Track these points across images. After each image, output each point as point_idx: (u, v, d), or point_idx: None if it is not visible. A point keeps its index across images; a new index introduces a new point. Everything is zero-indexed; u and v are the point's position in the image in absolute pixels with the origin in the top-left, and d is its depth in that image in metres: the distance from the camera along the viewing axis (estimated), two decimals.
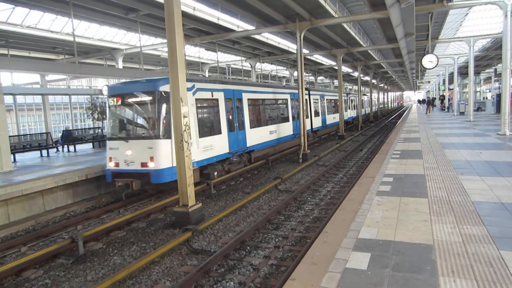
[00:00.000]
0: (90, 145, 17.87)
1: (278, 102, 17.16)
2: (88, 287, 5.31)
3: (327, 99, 26.29)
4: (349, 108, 33.37)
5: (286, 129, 17.41)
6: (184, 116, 7.50)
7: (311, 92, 22.58)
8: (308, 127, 20.27)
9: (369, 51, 27.91)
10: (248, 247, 6.51)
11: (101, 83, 31.39)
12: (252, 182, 11.97)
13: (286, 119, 17.69)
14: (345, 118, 29.15)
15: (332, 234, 5.01)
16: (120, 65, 21.66)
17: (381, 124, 36.52)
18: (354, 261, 4.10)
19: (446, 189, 6.77)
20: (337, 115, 27.70)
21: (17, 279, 5.73)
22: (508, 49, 13.98)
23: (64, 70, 17.50)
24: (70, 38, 16.56)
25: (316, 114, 23.40)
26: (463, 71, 41.94)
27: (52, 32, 17.62)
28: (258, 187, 11.16)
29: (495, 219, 5.13)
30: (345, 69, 38.33)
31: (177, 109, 7.47)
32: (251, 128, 13.74)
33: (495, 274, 3.58)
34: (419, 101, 69.40)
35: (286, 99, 17.95)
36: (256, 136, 14.07)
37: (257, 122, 14.53)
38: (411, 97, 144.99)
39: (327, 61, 34.67)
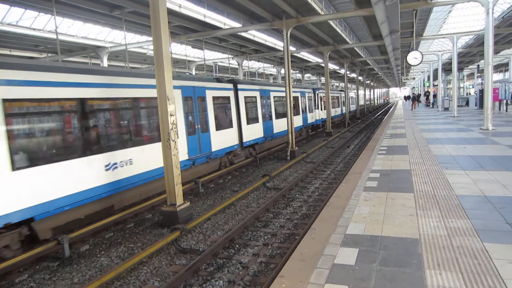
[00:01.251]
0: None
1: (121, 107, 8.70)
2: None
3: (275, 97, 18.47)
4: (318, 108, 26.99)
5: (149, 158, 9.03)
6: (171, 115, 7.47)
7: (239, 87, 14.71)
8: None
9: (355, 48, 28.15)
10: (237, 245, 6.50)
11: None
12: (240, 180, 11.95)
13: (146, 140, 9.17)
14: (309, 121, 24.78)
15: (320, 230, 5.04)
16: (105, 63, 21.29)
17: (367, 121, 36.92)
18: (342, 257, 4.13)
19: (431, 184, 6.88)
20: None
21: (1, 283, 5.59)
22: (490, 46, 14.28)
23: None
24: (53, 36, 16.20)
25: (253, 119, 15.48)
26: (447, 68, 42.75)
27: (34, 29, 17.20)
28: (246, 185, 11.14)
29: (479, 212, 5.24)
30: (332, 66, 38.56)
31: (164, 108, 7.44)
32: (29, 167, 6.43)
33: (479, 266, 3.66)
34: (405, 98, 70.42)
35: (131, 100, 8.90)
36: (44, 187, 6.63)
37: (45, 155, 6.83)
38: (397, 93, 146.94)
39: (314, 59, 34.83)
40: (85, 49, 21.42)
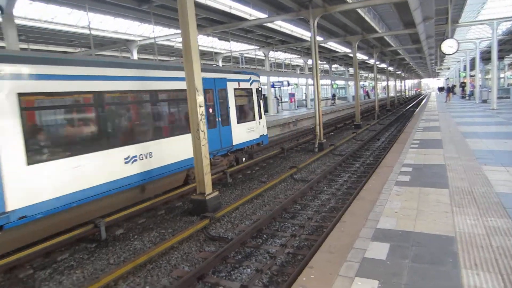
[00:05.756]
0: None
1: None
2: (111, 269, 5.45)
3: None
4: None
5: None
6: (200, 106, 7.57)
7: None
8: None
9: (385, 37, 27.23)
10: (264, 235, 6.54)
11: None
12: (267, 171, 11.96)
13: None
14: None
15: (349, 223, 4.99)
16: (135, 56, 21.81)
17: (398, 113, 35.80)
18: (372, 251, 4.08)
19: (468, 180, 6.61)
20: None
21: (45, 260, 5.94)
22: None
23: None
24: (86, 31, 16.75)
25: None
26: (485, 56, 40.42)
27: (68, 25, 17.84)
28: (273, 176, 11.13)
29: None
30: (360, 56, 37.63)
31: (193, 99, 7.55)
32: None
33: None
34: (438, 89, 67.72)
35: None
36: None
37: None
38: (430, 84, 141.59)
39: (342, 49, 34.12)
40: (115, 43, 22.01)
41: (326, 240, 4.57)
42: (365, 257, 3.95)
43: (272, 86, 31.06)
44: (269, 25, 20.76)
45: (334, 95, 47.80)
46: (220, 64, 30.15)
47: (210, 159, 9.79)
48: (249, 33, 22.94)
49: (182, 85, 8.51)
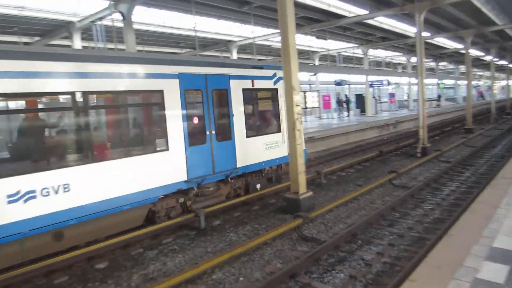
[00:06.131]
0: None
1: None
2: (208, 257, 5.88)
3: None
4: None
5: None
6: (297, 105, 7.66)
7: None
8: None
9: (505, 30, 23.58)
10: (359, 241, 6.32)
11: None
12: (364, 175, 11.48)
13: None
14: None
15: (459, 238, 4.55)
16: (235, 56, 23.00)
17: None
18: (487, 272, 3.67)
19: None
20: None
21: (153, 242, 6.73)
22: None
23: None
24: (192, 33, 18.26)
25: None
26: None
27: (176, 28, 19.70)
28: (370, 180, 10.63)
29: None
30: (474, 52, 33.35)
31: (290, 98, 7.67)
32: None
33: None
34: None
35: None
36: None
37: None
38: None
39: (451, 44, 30.77)
40: (217, 43, 23.51)
41: (431, 253, 4.25)
42: (478, 278, 3.57)
43: (371, 85, 29.57)
44: (369, 21, 19.84)
45: (439, 96, 43.64)
46: (317, 63, 29.80)
47: (193, 188, 7.68)
48: (347, 31, 22.29)
49: (135, 84, 6.30)
